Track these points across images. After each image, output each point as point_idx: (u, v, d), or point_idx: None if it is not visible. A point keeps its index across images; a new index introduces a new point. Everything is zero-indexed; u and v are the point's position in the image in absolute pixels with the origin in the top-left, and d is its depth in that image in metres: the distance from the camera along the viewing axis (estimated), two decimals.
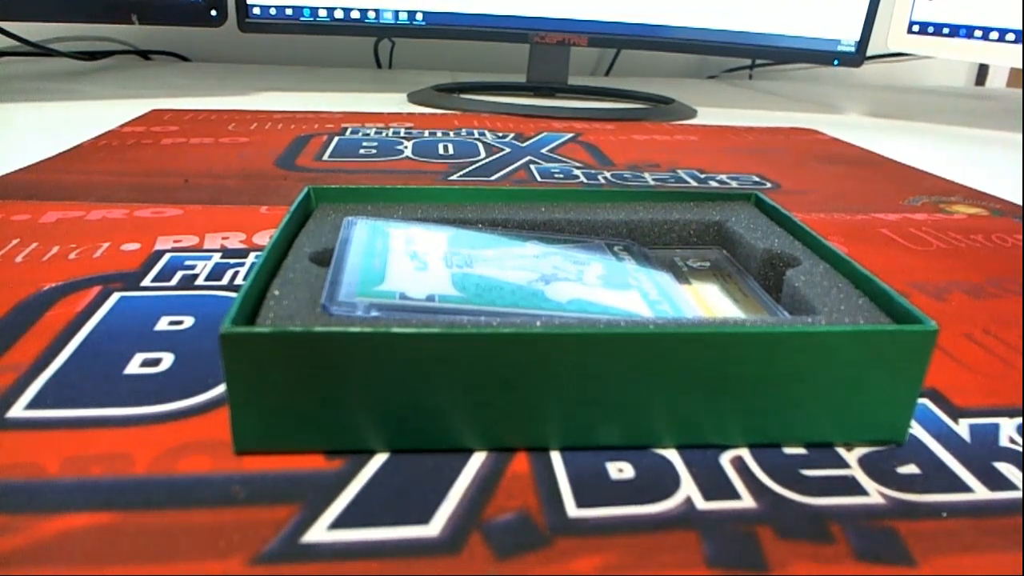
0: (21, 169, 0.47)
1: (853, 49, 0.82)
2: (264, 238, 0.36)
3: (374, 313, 0.21)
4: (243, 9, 0.77)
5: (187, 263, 0.33)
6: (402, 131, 0.65)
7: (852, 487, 0.20)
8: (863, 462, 0.21)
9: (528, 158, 0.57)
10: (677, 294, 0.25)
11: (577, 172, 0.53)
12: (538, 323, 0.20)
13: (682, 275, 0.28)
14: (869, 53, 0.83)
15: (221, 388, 0.23)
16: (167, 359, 0.25)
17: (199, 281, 0.31)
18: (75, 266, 0.32)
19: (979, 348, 0.28)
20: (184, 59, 1.08)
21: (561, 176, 0.52)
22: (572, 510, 0.19)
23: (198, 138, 0.59)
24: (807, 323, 0.21)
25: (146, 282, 0.31)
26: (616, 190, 0.32)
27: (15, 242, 0.35)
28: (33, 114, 0.66)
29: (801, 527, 0.18)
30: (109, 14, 0.77)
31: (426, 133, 0.64)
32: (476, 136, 0.64)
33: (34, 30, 0.89)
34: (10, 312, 0.28)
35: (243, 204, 0.42)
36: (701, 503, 0.19)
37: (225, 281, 0.31)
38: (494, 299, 0.22)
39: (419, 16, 0.80)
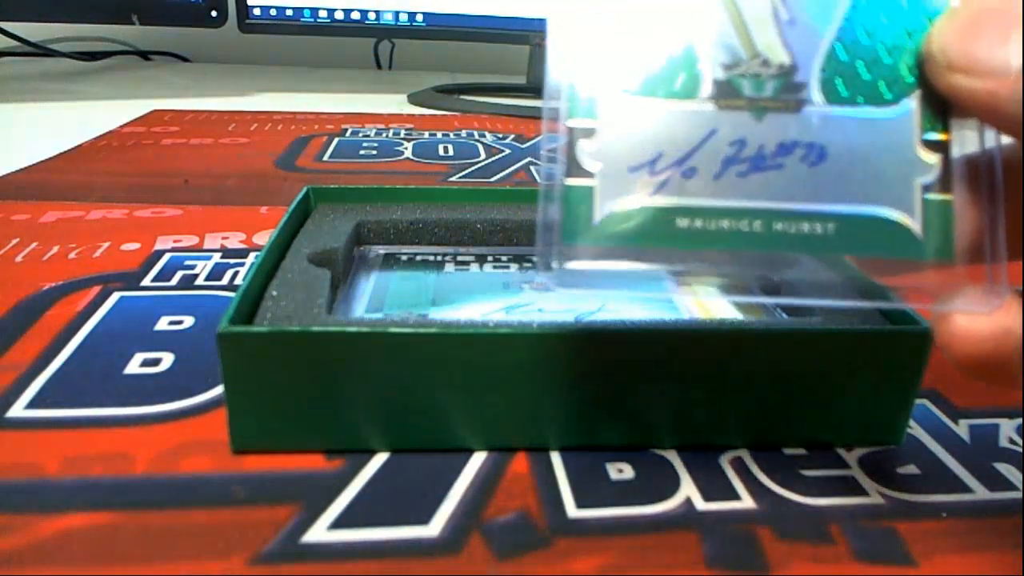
0: (21, 169, 0.47)
1: None
2: (264, 238, 0.36)
3: None
4: (243, 10, 0.78)
5: (187, 263, 0.33)
6: (402, 132, 0.65)
7: (852, 487, 0.20)
8: (863, 462, 0.21)
9: (528, 159, 0.57)
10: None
11: None
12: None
13: (680, 275, 0.28)
14: None
15: (221, 388, 0.23)
16: (167, 359, 0.25)
17: (199, 281, 0.31)
18: (75, 266, 0.32)
19: None
20: (184, 60, 1.08)
21: None
22: (572, 510, 0.19)
23: (198, 138, 0.59)
24: (803, 324, 0.21)
25: (146, 282, 0.31)
26: None
27: (15, 242, 0.35)
28: (33, 114, 0.66)
29: (801, 528, 0.18)
30: (109, 14, 0.77)
31: (426, 134, 0.64)
32: (476, 137, 0.64)
33: (34, 30, 0.89)
34: (10, 312, 0.28)
35: (243, 204, 0.42)
36: (701, 503, 0.19)
37: (225, 281, 0.31)
38: None
39: (419, 17, 0.80)
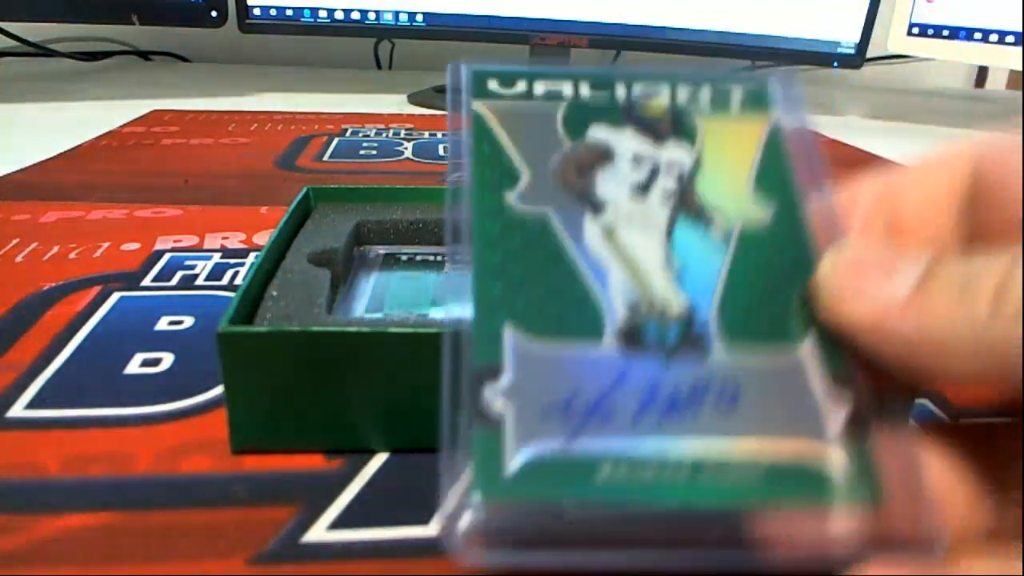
0: (21, 169, 0.47)
1: (853, 51, 0.82)
2: (264, 238, 0.36)
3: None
4: (243, 10, 0.78)
5: (187, 263, 0.33)
6: (402, 132, 0.65)
7: None
8: None
9: None
10: None
11: None
12: None
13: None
14: (869, 55, 0.83)
15: (221, 388, 0.23)
16: (167, 359, 0.25)
17: (199, 281, 0.31)
18: (75, 266, 0.32)
19: None
20: (184, 60, 1.09)
21: None
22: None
23: (198, 139, 0.59)
24: None
25: (146, 282, 0.31)
26: None
27: (15, 242, 0.35)
28: (33, 114, 0.66)
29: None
30: (109, 15, 0.77)
31: (426, 134, 0.65)
32: None
33: (34, 30, 0.89)
34: (10, 312, 0.28)
35: (243, 204, 0.42)
36: None
37: (225, 281, 0.31)
38: None
39: (419, 17, 0.80)
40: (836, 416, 0.14)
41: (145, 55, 1.06)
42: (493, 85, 0.19)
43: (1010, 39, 0.77)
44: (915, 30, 0.84)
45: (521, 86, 0.19)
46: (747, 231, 0.17)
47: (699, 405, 0.14)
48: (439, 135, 0.64)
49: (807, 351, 0.15)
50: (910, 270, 0.14)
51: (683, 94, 0.19)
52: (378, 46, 1.12)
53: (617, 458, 0.13)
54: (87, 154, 0.53)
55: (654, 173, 0.17)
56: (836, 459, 0.14)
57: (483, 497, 0.13)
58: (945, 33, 0.82)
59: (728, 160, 0.18)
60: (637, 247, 0.16)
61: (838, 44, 0.82)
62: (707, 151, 0.18)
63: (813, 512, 0.13)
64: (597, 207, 0.17)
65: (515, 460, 0.13)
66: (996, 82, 1.36)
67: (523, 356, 0.14)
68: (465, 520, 0.13)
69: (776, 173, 0.18)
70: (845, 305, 0.15)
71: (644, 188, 0.17)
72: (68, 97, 0.75)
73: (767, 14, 0.81)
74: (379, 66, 1.13)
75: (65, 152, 0.53)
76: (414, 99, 0.83)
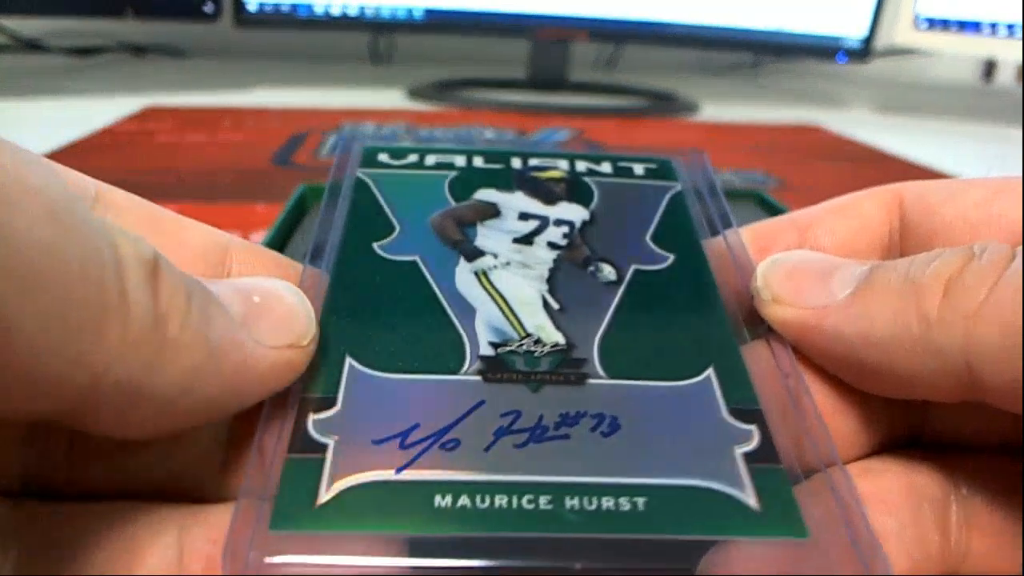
0: None
1: (859, 45, 0.81)
2: (260, 236, 0.35)
3: None
4: (239, 4, 0.76)
5: None
6: (401, 127, 0.64)
7: None
8: None
9: None
10: None
11: None
12: None
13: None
14: (875, 49, 0.82)
15: None
16: None
17: None
18: None
19: None
20: (179, 55, 1.07)
21: None
22: None
23: (193, 135, 0.58)
24: None
25: None
26: None
27: None
28: (26, 111, 0.65)
29: None
30: (103, 9, 0.76)
31: (425, 129, 0.63)
32: (475, 133, 0.63)
33: (26, 26, 0.88)
34: None
35: (239, 202, 0.41)
36: None
37: None
38: None
39: (417, 12, 0.79)
40: (741, 448, 0.13)
41: (139, 50, 1.05)
42: (383, 157, 0.19)
43: (1018, 32, 0.76)
44: (922, 23, 0.83)
45: (412, 158, 0.19)
46: (641, 274, 0.16)
47: (568, 434, 0.13)
48: (438, 131, 0.63)
49: (708, 384, 0.14)
50: (849, 272, 0.14)
51: (582, 165, 0.19)
52: (377, 40, 1.11)
53: (457, 485, 0.12)
54: (81, 151, 0.52)
55: (542, 226, 0.17)
56: (745, 491, 0.12)
57: (282, 529, 0.11)
58: (952, 27, 0.81)
59: (625, 218, 0.18)
60: (512, 287, 0.16)
61: (844, 38, 0.81)
62: (603, 210, 0.18)
63: (717, 543, 0.12)
64: (472, 255, 0.16)
65: (330, 489, 0.12)
66: (1004, 76, 1.35)
67: (361, 389, 0.13)
68: (257, 550, 0.11)
69: (676, 228, 0.17)
70: (780, 307, 0.14)
71: (528, 239, 0.17)
72: (61, 94, 0.74)
73: (773, 7, 0.80)
74: (378, 61, 1.12)
75: (59, 149, 0.51)
76: (413, 94, 0.82)
